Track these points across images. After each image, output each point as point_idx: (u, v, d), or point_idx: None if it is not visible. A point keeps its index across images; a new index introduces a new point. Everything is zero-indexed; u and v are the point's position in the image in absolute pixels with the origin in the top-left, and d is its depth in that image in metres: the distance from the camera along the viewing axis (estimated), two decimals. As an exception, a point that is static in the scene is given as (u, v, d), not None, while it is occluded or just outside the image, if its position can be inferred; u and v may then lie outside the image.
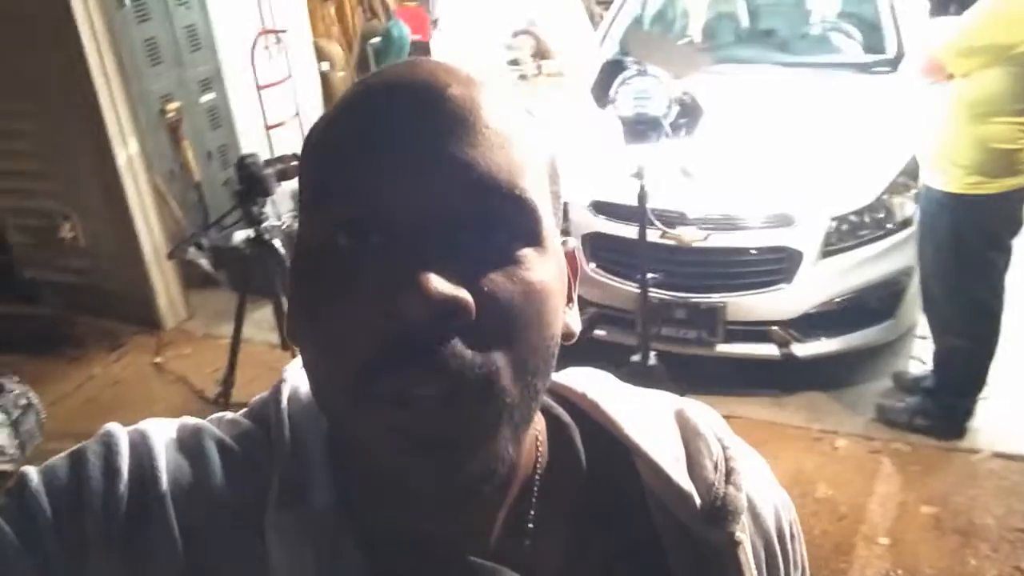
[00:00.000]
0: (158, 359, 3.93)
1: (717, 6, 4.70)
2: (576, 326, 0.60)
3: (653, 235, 2.97)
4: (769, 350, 3.21)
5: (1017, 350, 3.20)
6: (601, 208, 3.31)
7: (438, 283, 0.47)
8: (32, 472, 0.54)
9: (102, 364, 3.89)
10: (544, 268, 0.53)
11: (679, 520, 0.61)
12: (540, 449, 0.62)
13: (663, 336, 3.19)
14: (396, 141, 0.50)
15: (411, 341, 0.47)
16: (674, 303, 3.18)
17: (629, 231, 3.04)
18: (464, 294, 0.48)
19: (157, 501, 0.53)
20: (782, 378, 3.22)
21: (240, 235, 4.08)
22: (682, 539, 0.61)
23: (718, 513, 0.61)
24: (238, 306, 3.17)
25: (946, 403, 3.05)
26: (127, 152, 3.87)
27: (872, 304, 3.23)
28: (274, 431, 0.58)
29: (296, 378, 0.62)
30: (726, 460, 0.64)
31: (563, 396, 0.67)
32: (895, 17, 3.93)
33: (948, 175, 2.78)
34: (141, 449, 0.55)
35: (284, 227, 3.23)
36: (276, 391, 0.61)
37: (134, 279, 4.03)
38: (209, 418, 0.61)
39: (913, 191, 3.17)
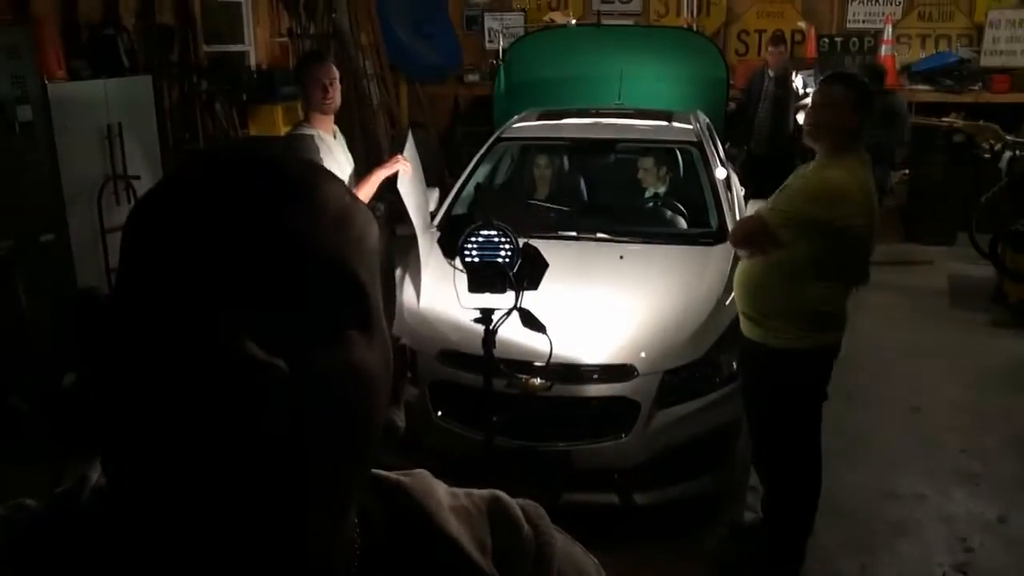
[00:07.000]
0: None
1: (559, 180, 5.06)
2: (401, 422, 0.60)
3: (499, 384, 3.03)
4: (610, 498, 3.27)
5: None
6: (447, 358, 3.37)
7: (253, 348, 0.46)
8: None
9: None
10: (371, 353, 0.52)
11: None
12: (358, 543, 0.59)
13: (510, 484, 3.18)
14: (239, 211, 0.50)
15: (222, 404, 0.45)
16: (520, 450, 3.21)
17: (475, 379, 3.10)
18: (279, 363, 0.46)
19: None
20: (621, 528, 3.26)
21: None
22: None
23: None
24: None
25: (780, 549, 3.17)
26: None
27: (705, 454, 3.38)
28: None
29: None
30: (538, 545, 0.63)
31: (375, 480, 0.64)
32: (717, 197, 4.36)
33: (780, 332, 2.95)
34: None
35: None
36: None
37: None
38: None
39: (737, 349, 3.41)
